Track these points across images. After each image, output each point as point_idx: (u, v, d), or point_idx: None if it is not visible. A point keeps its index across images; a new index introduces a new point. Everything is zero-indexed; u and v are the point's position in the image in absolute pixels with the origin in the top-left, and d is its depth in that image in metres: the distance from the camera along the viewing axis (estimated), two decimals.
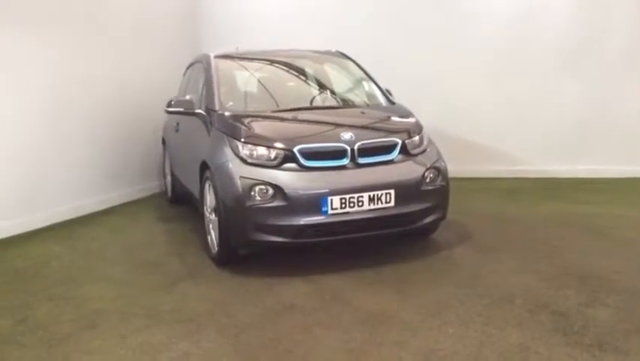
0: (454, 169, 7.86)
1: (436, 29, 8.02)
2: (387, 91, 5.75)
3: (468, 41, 7.92)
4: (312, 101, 5.23)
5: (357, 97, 5.62)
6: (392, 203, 4.38)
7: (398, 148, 4.55)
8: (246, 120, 4.67)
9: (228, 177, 4.33)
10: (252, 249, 4.53)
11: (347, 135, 4.45)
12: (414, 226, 4.58)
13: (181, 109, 5.27)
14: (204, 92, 5.27)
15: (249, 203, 4.20)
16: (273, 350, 3.17)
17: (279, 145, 4.34)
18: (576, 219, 5.65)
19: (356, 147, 4.39)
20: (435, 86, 8.02)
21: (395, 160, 4.55)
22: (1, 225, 5.79)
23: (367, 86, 5.64)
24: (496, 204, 6.49)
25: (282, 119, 4.80)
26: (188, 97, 5.33)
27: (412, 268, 4.42)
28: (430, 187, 4.59)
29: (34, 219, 6.13)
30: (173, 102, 5.30)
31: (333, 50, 6.14)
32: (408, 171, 4.53)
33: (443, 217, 4.84)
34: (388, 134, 4.67)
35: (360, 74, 5.75)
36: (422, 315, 3.55)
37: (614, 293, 3.74)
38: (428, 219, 4.64)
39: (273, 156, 4.32)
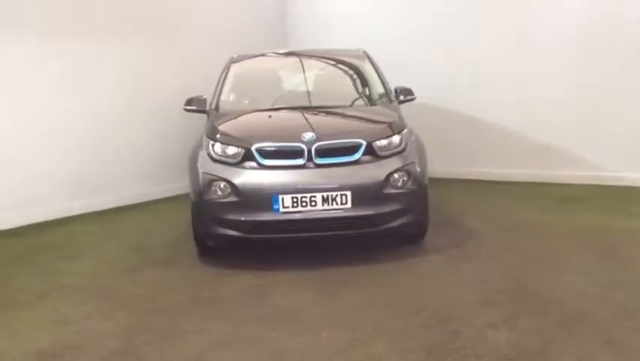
0: (517, 173, 7.49)
1: (509, 29, 7.57)
2: (406, 90, 5.60)
3: (541, 41, 7.33)
4: (302, 101, 5.29)
5: (352, 97, 5.55)
6: (348, 205, 4.36)
7: (362, 149, 4.48)
8: (222, 119, 4.94)
9: (194, 172, 4.64)
10: (216, 241, 4.78)
11: (308, 135, 4.49)
12: (378, 229, 4.51)
13: (195, 107, 5.63)
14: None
15: (206, 197, 4.47)
16: (155, 336, 3.40)
17: (239, 144, 4.54)
18: (602, 233, 5.05)
19: (314, 148, 4.42)
20: (505, 87, 7.58)
21: (361, 161, 4.49)
22: (72, 204, 6.71)
23: (372, 85, 5.57)
24: (531, 212, 5.99)
25: (258, 119, 4.97)
26: (204, 96, 5.67)
27: (361, 272, 4.36)
28: (395, 190, 4.47)
29: (101, 201, 6.96)
30: (192, 101, 5.69)
31: (360, 50, 6.11)
32: (370, 173, 4.45)
33: (417, 221, 4.68)
34: (354, 134, 4.59)
35: (372, 73, 5.67)
36: (317, 318, 3.55)
37: (537, 317, 3.40)
38: (395, 223, 4.51)
39: (235, 153, 4.53)
